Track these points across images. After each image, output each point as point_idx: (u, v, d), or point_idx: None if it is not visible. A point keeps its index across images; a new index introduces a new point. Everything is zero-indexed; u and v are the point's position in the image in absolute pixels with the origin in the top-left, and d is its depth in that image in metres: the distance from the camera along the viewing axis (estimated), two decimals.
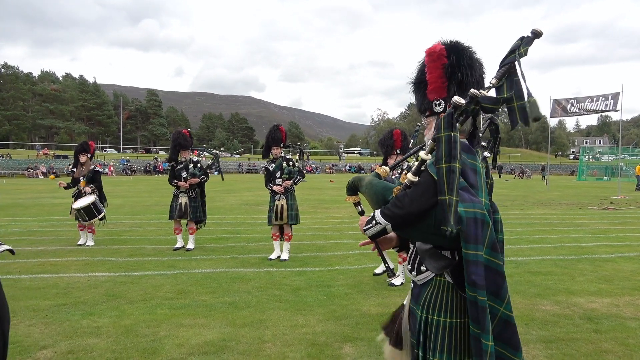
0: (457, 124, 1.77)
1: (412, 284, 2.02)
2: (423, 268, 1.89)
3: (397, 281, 5.52)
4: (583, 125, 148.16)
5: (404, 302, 2.13)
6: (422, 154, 1.81)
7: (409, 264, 2.01)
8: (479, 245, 1.69)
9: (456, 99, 1.69)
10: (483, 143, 2.39)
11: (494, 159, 2.39)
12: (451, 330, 1.80)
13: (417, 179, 1.80)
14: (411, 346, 2.00)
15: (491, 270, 1.74)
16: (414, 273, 1.96)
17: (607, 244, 8.24)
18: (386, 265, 2.41)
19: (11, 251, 1.20)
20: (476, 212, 1.70)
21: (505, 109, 1.87)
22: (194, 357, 3.44)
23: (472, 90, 1.75)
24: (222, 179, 7.85)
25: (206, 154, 9.28)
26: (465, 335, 1.80)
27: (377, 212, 1.88)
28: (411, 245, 2.02)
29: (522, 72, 1.82)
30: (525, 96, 1.81)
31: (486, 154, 2.34)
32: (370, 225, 1.88)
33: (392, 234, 1.98)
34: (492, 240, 1.76)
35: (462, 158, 1.77)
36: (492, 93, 1.84)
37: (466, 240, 1.69)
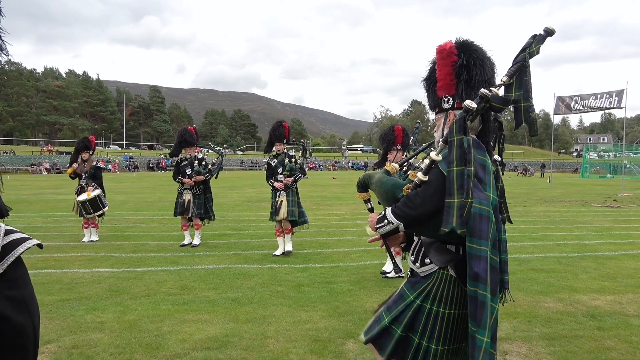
0: (468, 123, 1.79)
1: (411, 272, 2.05)
2: (427, 261, 1.91)
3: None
4: (587, 123, 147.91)
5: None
6: (432, 154, 1.82)
7: (412, 255, 2.03)
8: (482, 240, 1.70)
9: (468, 102, 1.70)
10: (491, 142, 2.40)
11: (499, 156, 2.40)
12: (449, 320, 1.84)
13: (427, 177, 1.82)
14: (379, 315, 2.04)
15: (490, 266, 1.78)
16: (417, 265, 1.97)
17: (610, 242, 8.22)
18: (394, 262, 2.43)
19: (39, 245, 1.21)
20: (482, 208, 1.71)
21: (512, 108, 1.89)
22: (197, 353, 3.46)
23: (482, 90, 1.76)
24: (216, 177, 7.82)
25: (210, 151, 9.27)
26: (464, 324, 1.84)
27: (389, 211, 1.90)
28: (415, 238, 2.04)
29: (529, 71, 1.83)
30: (532, 99, 1.82)
31: (497, 157, 2.34)
32: (383, 224, 1.91)
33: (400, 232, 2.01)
34: (494, 237, 1.79)
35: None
36: (501, 90, 1.85)
37: (471, 234, 1.71)
